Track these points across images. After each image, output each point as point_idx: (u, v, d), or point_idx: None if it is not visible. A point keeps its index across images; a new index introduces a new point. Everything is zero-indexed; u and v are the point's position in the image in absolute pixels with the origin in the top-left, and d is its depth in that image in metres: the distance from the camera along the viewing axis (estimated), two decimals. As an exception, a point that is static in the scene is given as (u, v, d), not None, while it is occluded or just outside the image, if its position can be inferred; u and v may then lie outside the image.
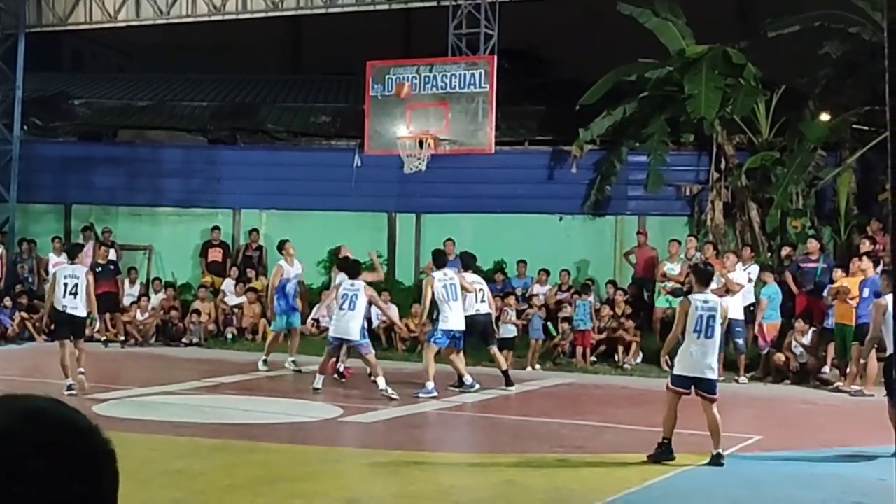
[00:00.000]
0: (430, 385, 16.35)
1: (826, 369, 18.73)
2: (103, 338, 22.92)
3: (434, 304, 16.93)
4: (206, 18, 25.10)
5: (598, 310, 21.24)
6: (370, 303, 16.99)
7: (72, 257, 16.90)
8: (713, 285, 18.76)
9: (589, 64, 25.42)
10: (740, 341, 19.06)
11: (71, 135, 27.67)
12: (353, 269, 17.26)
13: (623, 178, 23.72)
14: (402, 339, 21.44)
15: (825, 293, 19.26)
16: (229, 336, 23.07)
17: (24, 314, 22.82)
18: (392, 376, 17.84)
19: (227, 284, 24.28)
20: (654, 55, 23.34)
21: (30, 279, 24.79)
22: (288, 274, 19.15)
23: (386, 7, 23.96)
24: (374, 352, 16.90)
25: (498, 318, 19.66)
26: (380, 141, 22.13)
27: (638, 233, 23.35)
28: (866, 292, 17.39)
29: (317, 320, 20.99)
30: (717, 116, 22.00)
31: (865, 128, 21.24)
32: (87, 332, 22.09)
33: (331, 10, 24.27)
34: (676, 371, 11.64)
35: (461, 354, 17.19)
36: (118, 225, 26.10)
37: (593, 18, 26.42)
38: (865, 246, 19.14)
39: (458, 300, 16.90)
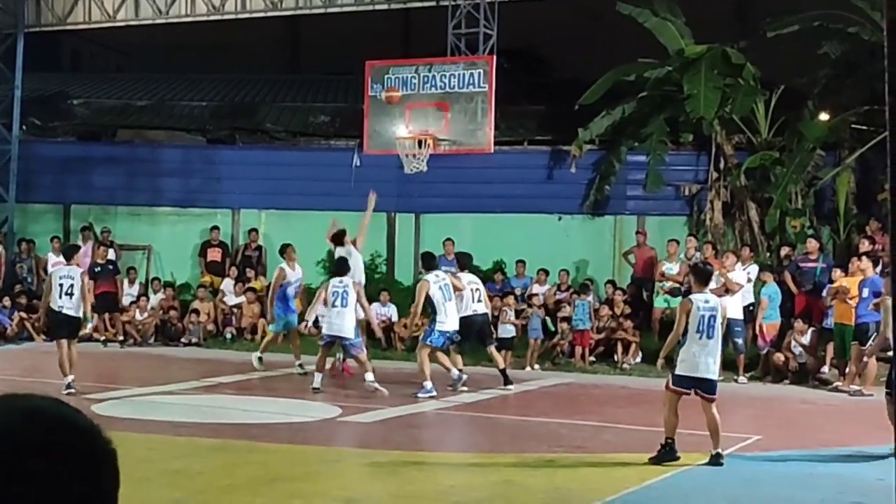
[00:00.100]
0: (429, 385, 16.36)
1: (825, 369, 18.75)
2: (102, 337, 22.99)
3: (429, 306, 16.95)
4: (204, 18, 25.11)
5: (597, 310, 21.25)
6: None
7: (68, 258, 16.95)
8: (712, 284, 18.87)
9: (588, 64, 25.46)
10: (739, 341, 19.04)
11: (70, 135, 27.74)
12: (340, 266, 17.44)
13: (622, 178, 23.75)
14: (402, 340, 21.44)
15: (824, 293, 19.27)
16: (228, 336, 23.08)
17: (23, 314, 22.81)
18: (392, 376, 17.92)
19: (226, 284, 24.32)
20: (653, 55, 23.37)
21: (29, 279, 24.82)
22: (289, 278, 19.19)
23: (385, 7, 23.98)
24: (365, 352, 17.00)
25: (497, 318, 19.75)
26: (379, 141, 22.11)
27: (637, 232, 23.38)
28: (865, 292, 17.41)
29: (316, 319, 21.01)
30: (717, 116, 22.03)
31: (864, 127, 21.29)
32: (84, 331, 22.34)
33: (330, 10, 24.31)
34: (678, 371, 11.61)
35: (447, 352, 17.23)
36: (117, 225, 26.14)
37: (592, 18, 26.46)
38: (864, 246, 19.12)
39: (453, 300, 16.96)
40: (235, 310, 23.61)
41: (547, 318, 21.20)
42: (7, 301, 23.24)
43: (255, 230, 25.55)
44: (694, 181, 23.56)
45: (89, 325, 21.54)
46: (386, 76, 22.04)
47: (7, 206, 25.99)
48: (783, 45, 22.48)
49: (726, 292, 18.83)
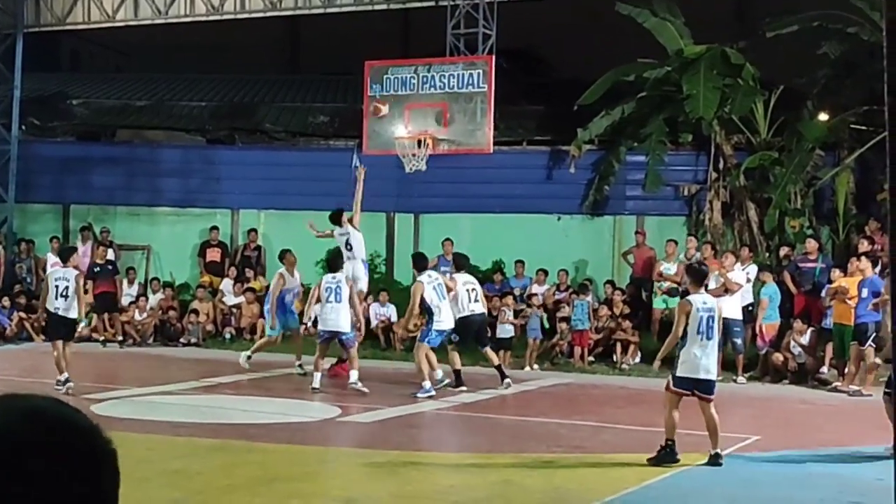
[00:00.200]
0: (427, 384, 16.40)
1: (824, 369, 18.76)
2: (101, 337, 23.02)
3: (424, 306, 16.98)
4: (204, 18, 25.14)
5: (597, 310, 21.26)
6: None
7: (64, 261, 17.00)
8: (711, 284, 18.92)
9: (587, 64, 25.49)
10: (738, 341, 19.07)
11: (69, 135, 27.79)
12: (332, 262, 17.56)
13: (621, 178, 23.78)
14: (401, 340, 21.46)
15: (823, 293, 19.30)
16: (227, 336, 23.09)
17: (23, 314, 22.84)
18: (391, 376, 18.06)
19: (226, 284, 24.36)
20: (652, 55, 23.40)
21: (28, 279, 24.87)
22: (289, 284, 19.19)
23: (384, 7, 24.00)
24: (356, 346, 17.11)
25: (495, 319, 19.79)
26: (378, 141, 22.09)
27: (636, 233, 23.41)
28: (864, 292, 17.42)
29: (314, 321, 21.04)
30: (716, 116, 22.06)
31: (864, 128, 21.32)
32: (85, 332, 22.33)
33: (329, 10, 24.34)
34: (679, 373, 11.61)
35: (440, 351, 17.31)
36: (116, 225, 26.19)
37: (592, 18, 26.49)
38: (864, 246, 19.14)
39: (446, 299, 17.01)
40: (234, 310, 23.63)
41: (544, 315, 21.25)
42: (6, 301, 23.27)
43: (255, 230, 25.58)
44: (693, 181, 23.58)
45: (82, 325, 21.52)
46: (385, 76, 22.03)
47: (6, 206, 26.02)
48: (782, 45, 22.52)
49: (725, 292, 18.91)
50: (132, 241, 26.26)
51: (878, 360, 16.99)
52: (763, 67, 22.42)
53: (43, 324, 18.47)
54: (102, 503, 1.57)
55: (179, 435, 12.93)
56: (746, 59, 22.18)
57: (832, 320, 18.55)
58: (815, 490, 10.71)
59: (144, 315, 23.49)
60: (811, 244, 20.85)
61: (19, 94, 25.88)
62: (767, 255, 22.07)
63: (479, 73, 21.36)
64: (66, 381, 15.81)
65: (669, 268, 21.33)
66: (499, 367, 17.52)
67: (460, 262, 18.44)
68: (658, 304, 21.27)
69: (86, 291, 22.44)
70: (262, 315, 21.88)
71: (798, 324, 18.99)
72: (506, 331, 20.10)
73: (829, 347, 18.72)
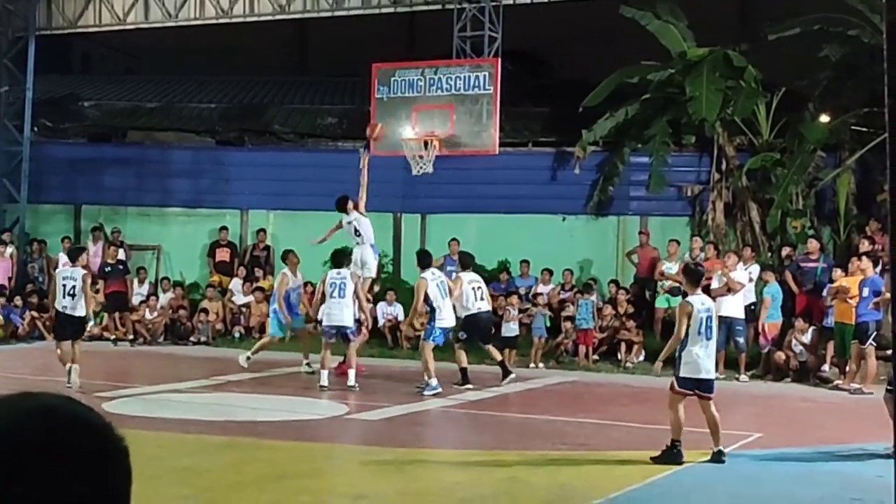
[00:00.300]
0: (434, 382, 16.51)
1: (825, 367, 18.84)
2: (112, 336, 23.13)
3: (427, 304, 17.11)
4: (213, 21, 25.21)
5: (601, 309, 21.35)
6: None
7: (73, 260, 17.16)
8: (714, 284, 19.09)
9: (591, 66, 25.52)
10: (741, 340, 19.13)
11: (80, 136, 27.84)
12: (337, 258, 17.70)
13: (625, 179, 23.85)
14: (408, 339, 21.63)
15: (825, 292, 19.34)
16: (237, 335, 23.19)
17: (35, 313, 22.93)
18: (398, 375, 18.15)
19: (235, 284, 24.44)
20: (655, 57, 23.46)
21: (40, 279, 24.92)
22: (292, 283, 19.32)
23: (391, 10, 24.12)
24: (357, 343, 17.36)
25: (501, 318, 19.88)
26: (385, 142, 21.91)
27: (640, 233, 23.45)
28: (865, 291, 17.48)
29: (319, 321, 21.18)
30: (718, 118, 22.11)
31: (864, 129, 21.35)
32: (96, 331, 22.55)
33: (337, 13, 24.38)
34: (683, 374, 11.63)
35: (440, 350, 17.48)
36: (127, 225, 26.27)
37: (596, 21, 26.39)
38: (864, 246, 19.19)
39: (448, 298, 17.14)
40: (244, 309, 23.71)
41: (549, 314, 21.34)
42: (19, 300, 23.37)
43: (264, 230, 25.66)
44: (696, 182, 23.63)
45: (91, 324, 21.68)
46: (392, 78, 21.87)
47: (19, 206, 26.12)
48: (784, 47, 22.51)
49: (728, 291, 19.02)
50: (143, 241, 26.34)
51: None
52: (765, 70, 22.45)
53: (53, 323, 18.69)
54: (115, 501, 1.56)
55: (189, 432, 12.97)
56: (748, 61, 22.21)
57: (833, 319, 18.60)
58: (817, 487, 10.75)
59: (155, 314, 23.58)
60: (813, 244, 20.88)
61: (31, 95, 25.94)
62: (769, 254, 22.08)
63: (485, 76, 21.17)
64: (69, 371, 16.03)
65: (671, 267, 21.39)
66: (502, 363, 17.65)
67: (465, 261, 18.52)
68: (660, 303, 21.34)
69: (97, 291, 22.78)
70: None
71: (800, 323, 19.04)
72: (511, 330, 20.17)
73: (831, 346, 18.77)
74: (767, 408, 16.38)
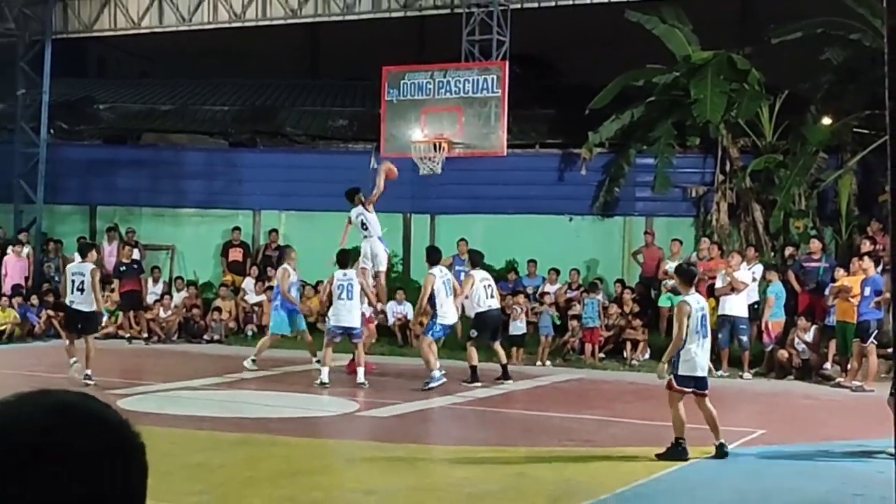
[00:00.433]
0: (437, 373, 16.72)
1: (828, 365, 18.97)
2: (127, 335, 23.33)
3: (431, 300, 17.30)
4: (226, 25, 25.32)
5: (607, 308, 21.45)
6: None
7: (82, 256, 17.35)
8: (718, 283, 19.29)
9: (597, 69, 25.58)
10: (745, 338, 19.22)
11: (96, 138, 28.02)
12: (342, 259, 17.77)
13: (631, 180, 23.95)
14: (417, 336, 21.80)
15: (827, 292, 19.42)
16: (249, 333, 23.30)
17: (51, 312, 23.04)
18: (408, 373, 18.15)
19: (248, 283, 24.60)
20: (660, 61, 23.56)
21: (56, 278, 24.87)
22: (292, 278, 19.49)
23: (401, 14, 24.14)
24: (363, 339, 17.54)
25: (508, 316, 20.03)
26: (395, 144, 22.15)
27: (645, 233, 23.58)
28: (867, 291, 17.59)
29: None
30: (723, 120, 22.21)
31: (866, 131, 21.45)
32: (111, 329, 22.77)
33: (348, 18, 24.43)
34: (682, 372, 11.68)
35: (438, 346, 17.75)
36: (142, 225, 26.48)
37: (602, 25, 26.35)
38: (866, 246, 19.28)
39: (451, 296, 17.34)
40: (256, 308, 23.86)
41: (556, 313, 21.45)
42: (35, 300, 23.58)
43: (276, 230, 25.80)
44: (700, 183, 23.73)
45: (104, 319, 21.89)
46: (402, 81, 22.05)
47: (35, 207, 26.31)
48: (787, 51, 22.61)
49: (732, 291, 19.18)
50: (157, 241, 26.53)
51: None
52: (768, 73, 22.53)
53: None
54: (131, 497, 1.56)
55: (202, 429, 13.07)
56: (752, 64, 22.29)
57: (835, 318, 18.69)
58: (819, 482, 10.81)
59: (169, 313, 23.74)
60: (815, 244, 20.92)
61: (48, 98, 26.09)
62: (773, 254, 22.14)
63: (493, 79, 21.41)
64: (73, 363, 16.34)
65: (674, 266, 21.47)
66: (504, 367, 17.79)
67: (475, 259, 18.65)
68: (664, 301, 21.28)
69: (112, 290, 23.11)
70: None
71: (802, 321, 19.14)
72: (518, 328, 20.31)
73: (833, 344, 18.87)
74: (771, 405, 16.46)
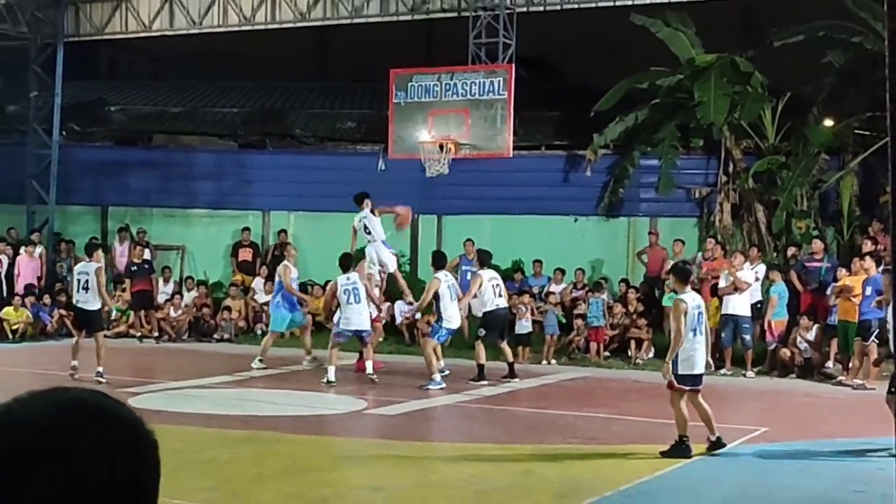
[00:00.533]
0: (438, 377, 16.91)
1: (829, 364, 19.07)
2: (138, 334, 23.52)
3: (436, 304, 17.51)
4: (236, 28, 25.42)
5: (612, 307, 21.61)
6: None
7: (88, 255, 17.53)
8: (722, 283, 19.44)
9: (602, 72, 25.68)
10: (747, 337, 19.35)
11: (107, 140, 28.19)
12: (344, 262, 17.91)
13: (635, 181, 24.04)
14: (424, 335, 21.97)
15: (829, 291, 19.50)
16: (259, 332, 23.27)
17: (63, 311, 23.14)
18: (415, 371, 18.14)
19: (257, 283, 24.73)
20: (664, 64, 23.63)
21: (68, 278, 24.79)
22: (293, 274, 19.68)
23: (409, 18, 24.22)
24: (371, 339, 17.75)
25: (514, 316, 20.18)
26: (403, 145, 22.28)
27: (649, 233, 23.67)
28: (868, 290, 17.71)
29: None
30: (726, 122, 22.29)
31: (867, 133, 21.52)
32: (122, 328, 22.97)
33: (356, 21, 24.54)
34: (682, 371, 11.74)
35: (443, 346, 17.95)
36: (152, 226, 26.61)
37: (607, 29, 26.27)
38: (867, 246, 19.40)
39: (456, 300, 17.54)
40: (265, 307, 23.46)
41: (561, 312, 21.59)
42: (47, 299, 23.78)
43: (285, 231, 25.91)
44: (704, 184, 23.79)
45: (114, 315, 22.06)
46: (409, 84, 22.14)
47: (48, 207, 26.47)
48: (789, 54, 22.68)
49: (735, 290, 19.33)
50: (167, 241, 26.69)
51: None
52: (771, 75, 22.55)
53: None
54: (144, 494, 1.56)
55: (211, 426, 13.21)
56: (755, 67, 22.31)
57: (837, 317, 18.79)
58: (821, 479, 10.91)
59: (179, 312, 23.92)
60: (817, 244, 20.98)
61: (60, 100, 26.20)
62: (775, 254, 22.22)
63: (499, 81, 21.50)
64: (74, 367, 16.56)
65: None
66: (511, 365, 17.95)
67: (484, 259, 18.82)
68: (668, 301, 21.07)
69: (123, 290, 23.37)
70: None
71: (804, 320, 19.21)
72: (524, 327, 20.48)
73: (834, 343, 18.96)
74: (773, 403, 16.58)
